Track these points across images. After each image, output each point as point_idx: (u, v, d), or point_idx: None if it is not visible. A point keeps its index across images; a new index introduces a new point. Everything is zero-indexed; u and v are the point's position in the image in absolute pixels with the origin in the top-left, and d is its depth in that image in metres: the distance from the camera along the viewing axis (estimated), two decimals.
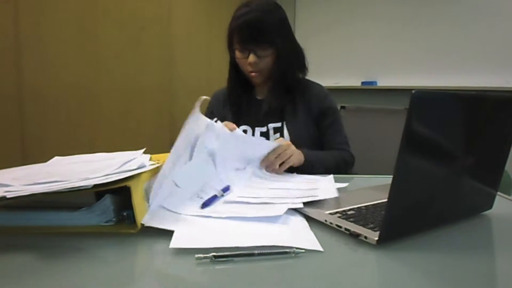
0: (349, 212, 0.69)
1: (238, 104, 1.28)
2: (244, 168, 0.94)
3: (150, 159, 0.78)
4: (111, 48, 2.77)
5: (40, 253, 0.55)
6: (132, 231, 0.61)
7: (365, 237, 0.58)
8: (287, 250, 0.54)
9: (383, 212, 0.65)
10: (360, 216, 0.67)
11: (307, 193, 0.81)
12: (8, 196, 0.56)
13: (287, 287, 0.46)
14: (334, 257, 0.55)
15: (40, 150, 2.41)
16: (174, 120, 3.17)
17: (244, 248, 0.53)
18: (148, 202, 0.68)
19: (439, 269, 0.51)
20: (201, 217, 0.67)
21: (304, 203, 0.73)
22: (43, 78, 2.45)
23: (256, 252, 0.53)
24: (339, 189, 0.83)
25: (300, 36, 4.12)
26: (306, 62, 1.28)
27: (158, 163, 0.76)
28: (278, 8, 1.20)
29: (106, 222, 0.62)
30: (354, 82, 3.61)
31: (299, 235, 0.61)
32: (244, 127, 1.24)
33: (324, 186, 0.88)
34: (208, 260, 0.51)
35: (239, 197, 0.78)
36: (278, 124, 1.21)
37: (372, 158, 1.63)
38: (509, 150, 0.70)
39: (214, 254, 0.51)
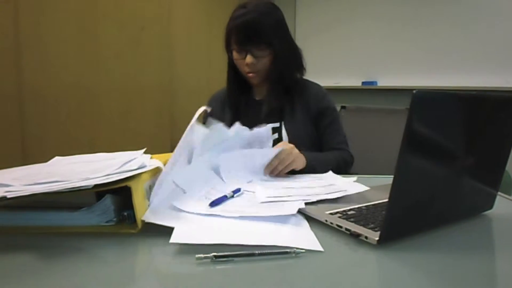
0: (349, 212, 0.69)
1: (237, 105, 1.28)
2: (250, 181, 0.93)
3: (151, 159, 0.78)
4: (111, 48, 2.77)
5: (40, 253, 0.55)
6: (133, 231, 0.61)
7: (366, 237, 0.58)
8: (288, 250, 0.54)
9: (383, 212, 0.65)
10: (361, 216, 0.67)
11: (328, 190, 0.82)
12: (8, 196, 0.56)
13: (287, 287, 0.46)
14: (335, 257, 0.55)
15: (40, 150, 2.41)
16: (174, 120, 3.17)
17: (245, 248, 0.53)
18: (149, 201, 0.68)
19: (440, 269, 0.51)
20: (202, 215, 0.67)
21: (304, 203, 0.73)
22: (43, 78, 2.45)
23: (256, 252, 0.53)
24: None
25: (300, 36, 4.12)
26: (304, 62, 1.28)
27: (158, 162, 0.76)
28: (276, 9, 1.20)
29: (106, 222, 0.62)
30: (355, 82, 3.61)
31: (300, 235, 0.61)
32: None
33: (341, 183, 0.89)
34: (208, 260, 0.51)
35: (268, 197, 0.77)
36: (277, 125, 1.21)
37: (373, 158, 1.63)
38: (509, 150, 0.70)
39: (215, 254, 0.51)
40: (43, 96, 2.46)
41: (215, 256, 0.51)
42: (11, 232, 0.62)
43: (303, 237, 0.60)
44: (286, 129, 1.20)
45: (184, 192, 0.77)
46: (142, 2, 2.94)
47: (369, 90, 3.56)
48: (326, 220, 0.66)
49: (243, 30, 1.13)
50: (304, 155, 1.05)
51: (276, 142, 1.19)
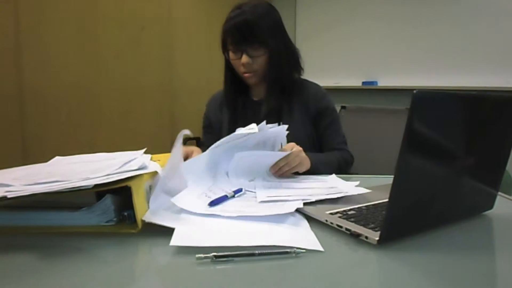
0: (349, 212, 0.69)
1: (235, 106, 1.28)
2: (254, 179, 0.94)
3: (151, 159, 0.78)
4: (111, 48, 2.77)
5: (40, 253, 0.55)
6: (133, 231, 0.61)
7: (366, 237, 0.58)
8: (288, 250, 0.54)
9: (383, 212, 0.65)
10: (361, 216, 0.67)
11: (329, 191, 0.82)
12: (8, 196, 0.56)
13: (287, 287, 0.46)
14: (335, 257, 0.55)
15: (40, 150, 2.41)
16: (174, 120, 3.17)
17: (245, 248, 0.53)
18: (148, 203, 0.68)
19: (440, 269, 0.51)
20: (202, 216, 0.67)
21: (304, 203, 0.73)
22: (43, 78, 2.46)
23: (256, 252, 0.53)
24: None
25: (300, 36, 4.11)
26: (301, 62, 1.28)
27: (158, 162, 0.76)
28: (271, 9, 1.20)
29: (106, 222, 0.62)
30: (355, 82, 3.60)
31: (300, 235, 0.61)
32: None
33: (343, 185, 0.89)
34: (208, 260, 0.51)
35: (268, 196, 0.77)
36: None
37: (373, 158, 1.63)
38: (509, 150, 0.70)
39: (215, 254, 0.51)
40: (43, 96, 2.46)
41: (215, 256, 0.51)
42: (11, 232, 0.62)
43: (303, 237, 0.60)
44: None
45: (186, 186, 0.77)
46: (142, 2, 2.94)
47: (369, 90, 3.56)
48: (326, 220, 0.66)
49: (238, 30, 1.14)
50: (308, 157, 1.05)
51: None
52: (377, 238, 0.57)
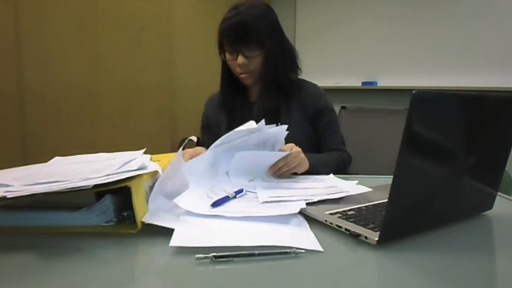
0: (349, 212, 0.69)
1: (232, 108, 1.27)
2: (252, 180, 0.94)
3: (151, 159, 0.78)
4: (111, 48, 2.77)
5: (40, 253, 0.55)
6: (132, 231, 0.61)
7: (365, 237, 0.58)
8: (287, 250, 0.54)
9: (383, 212, 0.65)
10: (360, 216, 0.67)
11: (329, 190, 0.82)
12: (8, 196, 0.56)
13: (287, 287, 0.46)
14: (334, 257, 0.55)
15: (40, 150, 2.41)
16: (174, 120, 3.17)
17: (245, 248, 0.53)
18: (147, 203, 0.68)
19: (439, 269, 0.51)
20: (203, 217, 0.67)
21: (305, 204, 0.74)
22: (43, 78, 2.46)
23: (256, 252, 0.53)
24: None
25: (300, 36, 4.10)
26: (299, 63, 1.27)
27: (158, 162, 0.76)
28: (268, 9, 1.20)
29: (106, 222, 0.62)
30: (355, 82, 3.60)
31: (299, 235, 0.61)
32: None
33: (342, 184, 0.89)
34: (208, 260, 0.51)
35: (270, 197, 0.77)
36: (273, 126, 1.21)
37: (373, 158, 1.63)
38: (509, 150, 0.70)
39: (215, 254, 0.51)
40: (43, 96, 2.46)
41: (215, 256, 0.51)
42: (11, 232, 0.62)
43: (303, 237, 0.60)
44: None
45: (187, 187, 0.77)
46: (142, 2, 2.94)
47: (369, 90, 3.56)
48: (326, 220, 0.66)
49: (234, 31, 1.14)
50: (307, 158, 1.05)
51: None
52: (377, 238, 0.57)
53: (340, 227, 0.63)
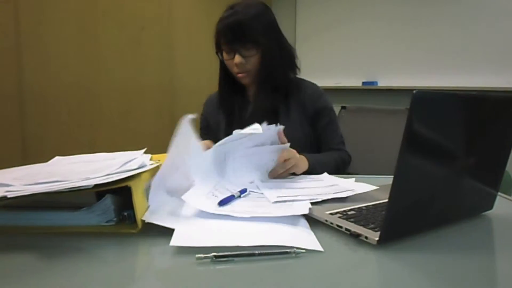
0: (349, 212, 0.69)
1: (231, 108, 1.27)
2: (252, 182, 0.93)
3: (151, 159, 0.78)
4: (111, 48, 2.77)
5: (40, 253, 0.55)
6: (133, 231, 0.61)
7: (366, 237, 0.58)
8: (288, 250, 0.54)
9: (383, 212, 0.65)
10: (361, 216, 0.67)
11: (334, 189, 0.82)
12: (8, 196, 0.56)
13: (287, 287, 0.46)
14: (335, 257, 0.55)
15: (40, 150, 2.41)
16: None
17: (245, 248, 0.53)
18: (148, 201, 0.68)
19: (440, 269, 0.51)
20: (202, 217, 0.67)
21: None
22: (43, 78, 2.46)
23: (256, 252, 0.53)
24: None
25: (300, 36, 4.10)
26: (297, 62, 1.27)
27: (158, 162, 0.76)
28: (265, 8, 1.20)
29: (106, 222, 0.62)
30: (355, 82, 3.60)
31: (300, 235, 0.61)
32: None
33: (344, 183, 0.89)
34: (208, 260, 0.51)
35: (278, 196, 0.77)
36: (272, 126, 1.21)
37: (373, 158, 1.63)
38: (509, 150, 0.70)
39: (215, 254, 0.51)
40: (43, 96, 2.46)
41: (215, 256, 0.51)
42: (11, 232, 0.62)
43: (303, 237, 0.60)
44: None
45: (193, 185, 0.77)
46: (142, 2, 2.94)
47: (369, 90, 3.56)
48: (326, 220, 0.66)
49: (230, 31, 1.14)
50: (306, 157, 1.05)
51: None
52: (377, 238, 0.57)
53: (341, 227, 0.63)
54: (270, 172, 0.97)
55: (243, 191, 0.80)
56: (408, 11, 3.28)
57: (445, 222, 0.66)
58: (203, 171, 0.83)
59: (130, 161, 0.71)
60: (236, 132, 0.88)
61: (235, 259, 0.52)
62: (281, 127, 0.98)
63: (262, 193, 0.82)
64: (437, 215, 0.64)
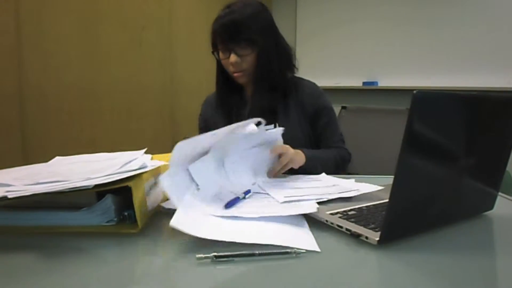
0: (350, 212, 0.69)
1: (229, 108, 1.27)
2: (254, 183, 0.93)
3: (151, 159, 0.78)
4: (112, 47, 2.77)
5: (40, 253, 0.55)
6: (133, 231, 0.61)
7: (366, 238, 0.58)
8: (288, 250, 0.54)
9: (384, 213, 0.65)
10: (361, 216, 0.67)
11: (338, 189, 0.82)
12: (9, 196, 0.56)
13: (287, 287, 0.46)
14: (335, 257, 0.55)
15: (41, 150, 2.41)
16: (175, 120, 3.17)
17: (245, 248, 0.53)
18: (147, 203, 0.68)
19: (440, 269, 0.51)
20: (217, 217, 0.67)
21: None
22: (44, 77, 2.46)
23: (256, 252, 0.53)
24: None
25: (301, 36, 4.11)
26: (295, 61, 1.26)
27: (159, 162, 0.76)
28: (261, 8, 1.20)
29: (107, 222, 0.62)
30: (355, 82, 3.61)
31: (297, 235, 0.61)
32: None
33: (345, 184, 0.89)
34: (208, 260, 0.51)
35: (286, 197, 0.78)
36: (271, 126, 1.21)
37: (373, 158, 1.63)
38: (510, 150, 0.70)
39: (215, 254, 0.51)
40: (44, 95, 2.46)
41: (215, 256, 0.51)
42: (11, 232, 0.62)
43: (301, 237, 0.60)
44: None
45: (198, 189, 0.77)
46: (143, 2, 2.94)
47: (369, 91, 3.56)
48: (327, 220, 0.66)
49: (225, 30, 1.14)
50: (303, 152, 1.05)
51: None
52: (377, 239, 0.57)
53: (341, 227, 0.63)
54: (269, 171, 0.97)
55: (247, 192, 0.80)
56: (408, 11, 3.28)
57: (445, 222, 0.66)
58: (205, 177, 0.82)
59: (130, 161, 0.71)
60: (232, 128, 0.87)
61: (235, 259, 0.52)
62: (281, 129, 0.98)
63: (267, 194, 0.82)
64: (437, 215, 0.64)
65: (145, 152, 0.84)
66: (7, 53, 2.31)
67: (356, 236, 0.60)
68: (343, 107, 1.99)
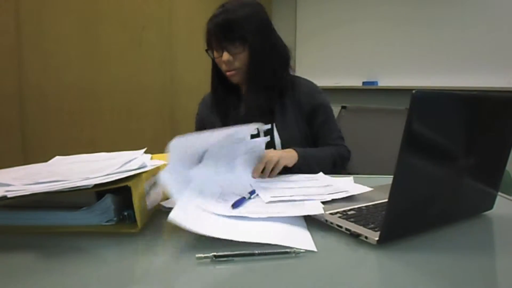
0: (349, 212, 0.69)
1: (224, 108, 1.27)
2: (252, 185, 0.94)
3: (151, 159, 0.78)
4: (112, 47, 2.77)
5: (40, 253, 0.55)
6: (133, 231, 0.61)
7: (366, 237, 0.58)
8: (288, 250, 0.54)
9: (383, 212, 0.65)
10: (361, 216, 0.67)
11: (328, 190, 0.82)
12: (9, 196, 0.56)
13: (287, 287, 0.46)
14: (334, 257, 0.55)
15: (41, 150, 2.41)
16: (175, 120, 3.17)
17: (245, 248, 0.53)
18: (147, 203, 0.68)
19: (440, 269, 0.51)
20: (223, 217, 0.67)
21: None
22: (44, 77, 2.46)
23: (256, 252, 0.53)
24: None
25: (300, 36, 4.10)
26: (291, 62, 1.26)
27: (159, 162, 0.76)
28: (256, 7, 1.19)
29: (106, 222, 0.62)
30: (355, 82, 3.61)
31: (295, 234, 0.61)
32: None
33: (339, 183, 0.89)
34: (208, 260, 0.51)
35: (272, 197, 0.78)
36: (268, 126, 1.20)
37: (373, 158, 1.63)
38: (509, 150, 0.70)
39: (215, 254, 0.51)
40: (44, 95, 2.46)
41: (215, 256, 0.51)
42: (11, 232, 0.62)
43: (298, 236, 0.60)
44: (278, 130, 1.19)
45: (199, 189, 0.77)
46: (143, 1, 2.94)
47: (369, 90, 3.56)
48: (326, 220, 0.66)
49: (219, 29, 1.14)
50: (295, 150, 1.05)
51: (268, 144, 1.18)
52: (377, 238, 0.57)
53: (341, 227, 0.63)
54: (254, 170, 0.97)
55: (252, 192, 0.80)
56: (408, 11, 3.29)
57: (445, 222, 0.66)
58: (205, 179, 0.82)
59: (130, 161, 0.71)
60: (227, 133, 0.87)
61: (235, 259, 0.52)
62: (265, 139, 1.01)
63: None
64: (437, 215, 0.64)
65: (145, 152, 0.84)
66: (7, 53, 2.31)
67: (355, 236, 0.60)
68: (343, 107, 1.98)
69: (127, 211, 0.62)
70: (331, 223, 0.65)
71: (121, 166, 0.67)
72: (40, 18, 2.42)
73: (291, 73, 1.28)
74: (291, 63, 1.27)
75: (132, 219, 0.62)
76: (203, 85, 1.31)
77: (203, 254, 0.51)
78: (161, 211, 0.72)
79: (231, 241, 0.55)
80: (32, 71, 2.41)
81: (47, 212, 0.62)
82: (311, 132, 1.24)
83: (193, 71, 3.29)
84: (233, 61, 1.16)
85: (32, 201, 0.60)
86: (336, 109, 1.32)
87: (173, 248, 0.56)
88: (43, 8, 2.43)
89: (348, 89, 3.59)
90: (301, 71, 1.31)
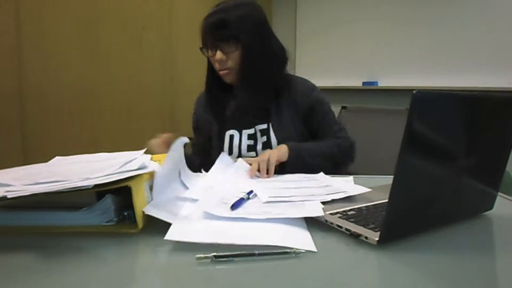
0: (349, 212, 0.69)
1: (218, 107, 1.26)
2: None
3: (151, 160, 0.78)
4: (112, 47, 2.78)
5: (40, 253, 0.55)
6: (133, 231, 0.61)
7: (366, 238, 0.58)
8: (288, 250, 0.54)
9: (383, 213, 0.65)
10: (361, 216, 0.67)
11: (327, 190, 0.82)
12: (9, 196, 0.56)
13: (287, 287, 0.46)
14: (334, 257, 0.55)
15: (41, 150, 2.41)
16: (175, 120, 3.18)
17: (245, 248, 0.53)
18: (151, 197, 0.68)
19: (440, 269, 0.51)
20: (200, 216, 0.67)
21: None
22: (44, 77, 2.46)
23: (256, 252, 0.53)
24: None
25: (300, 36, 4.10)
26: (287, 61, 1.25)
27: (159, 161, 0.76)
28: (252, 7, 1.19)
29: (107, 222, 0.62)
30: (355, 82, 3.61)
31: (295, 234, 0.61)
32: (231, 131, 1.22)
33: (338, 183, 0.89)
34: (208, 260, 0.51)
35: (270, 196, 0.78)
36: (264, 126, 1.20)
37: (373, 158, 1.63)
38: (510, 150, 0.70)
39: (215, 254, 0.51)
40: (44, 95, 2.46)
41: (215, 256, 0.51)
42: (11, 232, 0.62)
43: (298, 236, 0.60)
44: (274, 131, 1.19)
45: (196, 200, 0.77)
46: (143, 1, 2.94)
47: (369, 90, 3.56)
48: (326, 220, 0.66)
49: (212, 27, 1.14)
50: (287, 145, 1.06)
51: (264, 144, 1.18)
52: (377, 239, 0.57)
53: (341, 227, 0.63)
54: (249, 172, 0.98)
55: (250, 192, 0.80)
56: (408, 12, 3.28)
57: (445, 222, 0.66)
58: (202, 190, 0.83)
59: (130, 161, 0.71)
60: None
61: (235, 259, 0.52)
62: (243, 161, 1.04)
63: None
64: (437, 215, 0.64)
65: (145, 152, 0.84)
66: (7, 53, 2.31)
67: (355, 236, 0.60)
68: (343, 107, 1.98)
69: (127, 211, 0.62)
70: (331, 223, 0.65)
71: (121, 167, 0.67)
72: (40, 18, 2.42)
73: (285, 71, 1.27)
74: (291, 63, 1.26)
75: (132, 219, 0.62)
76: (203, 85, 1.30)
77: (203, 254, 0.51)
78: None
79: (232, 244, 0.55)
80: (32, 71, 2.41)
81: (47, 212, 0.62)
82: (312, 130, 1.23)
83: (193, 71, 3.28)
84: (226, 60, 1.16)
85: (32, 202, 0.60)
86: (336, 109, 1.32)
87: (173, 248, 0.56)
88: (43, 8, 2.43)
89: (348, 89, 3.59)
90: (301, 71, 1.31)
